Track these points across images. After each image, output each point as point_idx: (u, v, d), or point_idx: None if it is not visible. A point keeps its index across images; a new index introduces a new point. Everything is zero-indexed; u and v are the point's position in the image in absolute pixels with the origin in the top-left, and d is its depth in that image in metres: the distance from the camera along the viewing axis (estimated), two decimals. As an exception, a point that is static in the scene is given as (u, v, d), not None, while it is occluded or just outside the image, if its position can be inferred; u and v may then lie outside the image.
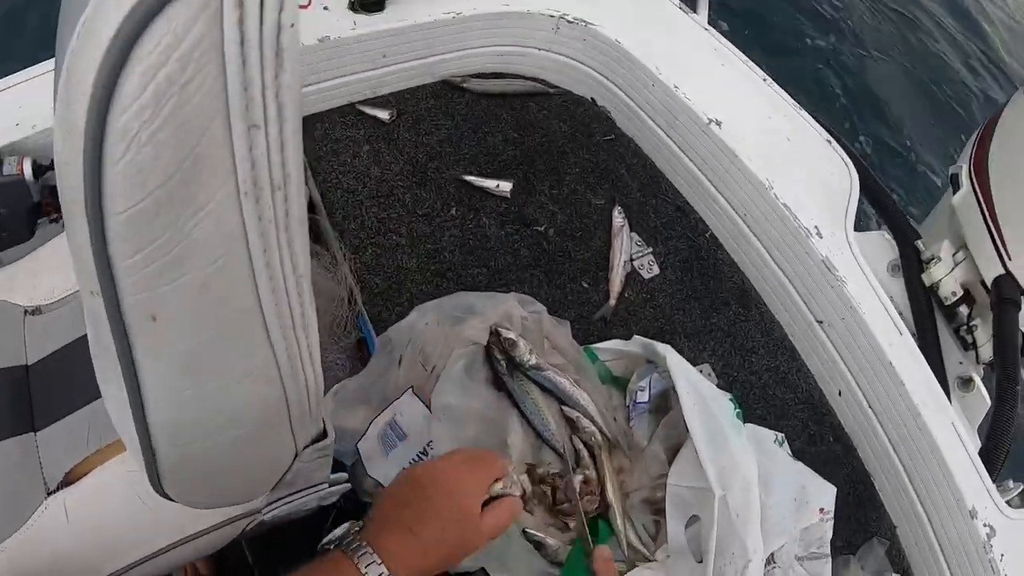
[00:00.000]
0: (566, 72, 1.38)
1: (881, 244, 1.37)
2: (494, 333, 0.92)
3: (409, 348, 0.96)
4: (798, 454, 1.06)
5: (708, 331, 1.17)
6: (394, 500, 0.61)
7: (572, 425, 0.93)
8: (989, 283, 1.24)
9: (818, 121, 1.33)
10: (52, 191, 0.94)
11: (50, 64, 1.01)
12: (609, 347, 1.05)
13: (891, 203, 1.45)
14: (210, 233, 0.32)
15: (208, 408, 0.42)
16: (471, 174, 1.22)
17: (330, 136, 1.21)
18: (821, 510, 0.92)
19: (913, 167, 3.23)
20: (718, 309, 1.19)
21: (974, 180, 1.31)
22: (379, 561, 0.52)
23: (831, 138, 1.28)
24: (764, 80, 1.33)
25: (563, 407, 0.93)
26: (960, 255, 1.34)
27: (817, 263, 1.12)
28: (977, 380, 1.35)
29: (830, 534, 0.95)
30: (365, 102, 1.26)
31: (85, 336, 0.42)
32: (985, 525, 0.96)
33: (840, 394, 1.15)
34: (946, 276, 1.33)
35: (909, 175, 3.20)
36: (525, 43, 1.33)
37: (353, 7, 1.19)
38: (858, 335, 1.10)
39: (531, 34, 1.32)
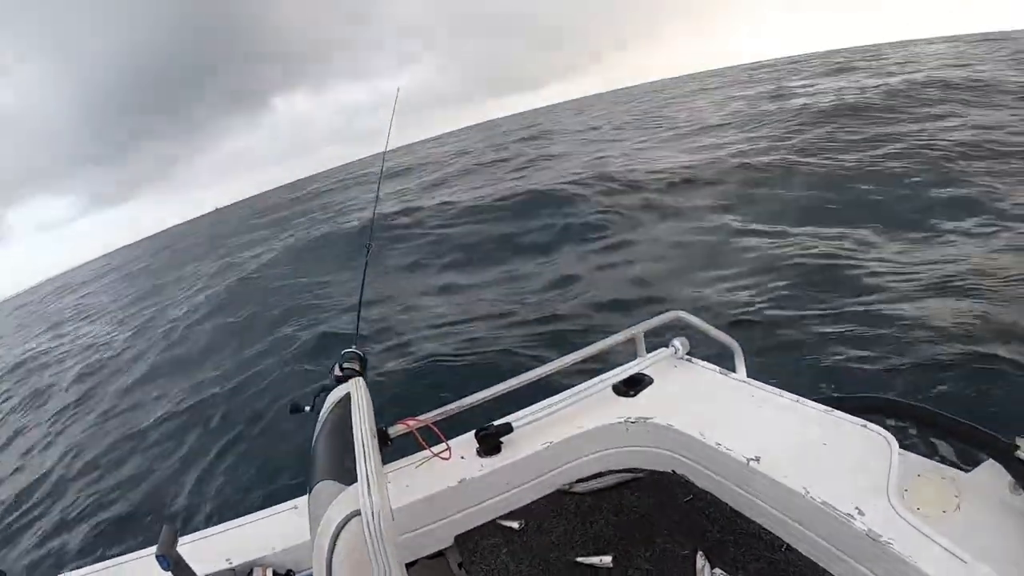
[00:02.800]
0: (646, 456, 1.77)
1: (992, 472, 1.39)
2: None
3: None
4: None
5: None
6: None
7: None
8: None
9: (857, 407, 1.53)
10: None
11: (279, 508, 1.68)
12: None
13: (966, 428, 1.46)
14: None
15: None
16: (580, 554, 1.53)
17: (478, 546, 1.65)
18: None
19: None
20: None
21: None
22: None
23: (866, 421, 1.48)
24: (796, 401, 1.62)
25: None
26: None
27: (863, 537, 1.22)
28: None
29: None
30: (501, 517, 1.72)
31: None
32: None
33: None
34: None
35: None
36: (607, 448, 1.79)
37: (479, 453, 1.78)
38: None
39: (609, 438, 1.79)
